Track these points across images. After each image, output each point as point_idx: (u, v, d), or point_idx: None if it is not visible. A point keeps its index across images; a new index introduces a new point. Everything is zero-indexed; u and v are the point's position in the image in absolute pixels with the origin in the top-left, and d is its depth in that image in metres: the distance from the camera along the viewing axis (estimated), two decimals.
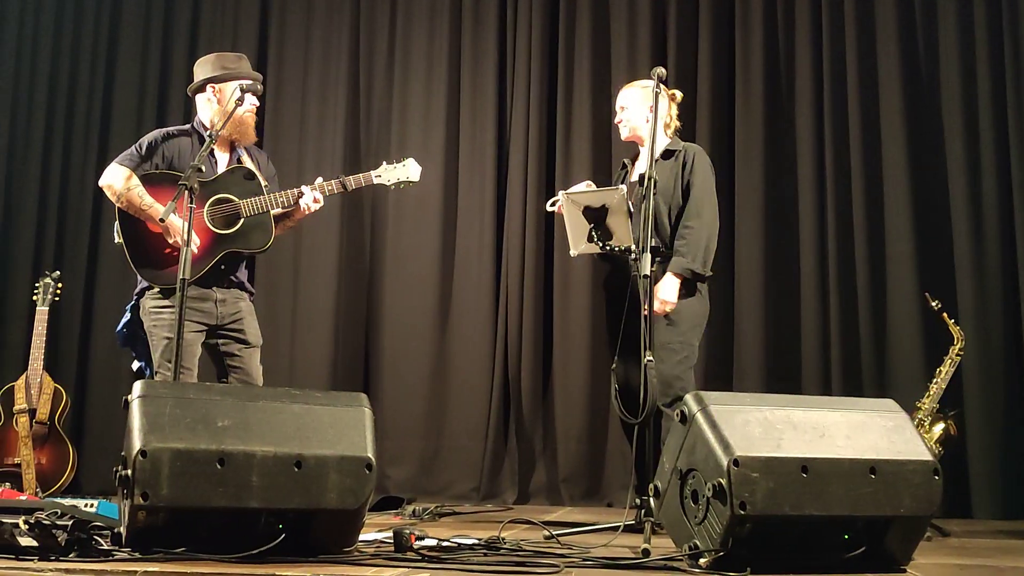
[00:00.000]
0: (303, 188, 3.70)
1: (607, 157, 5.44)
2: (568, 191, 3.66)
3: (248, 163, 3.78)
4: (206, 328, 3.67)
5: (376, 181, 3.80)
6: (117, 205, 3.65)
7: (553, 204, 3.74)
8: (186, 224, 3.20)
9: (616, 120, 3.95)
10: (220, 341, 3.71)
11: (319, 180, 3.75)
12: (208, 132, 3.59)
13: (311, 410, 2.50)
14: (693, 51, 5.54)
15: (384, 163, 3.86)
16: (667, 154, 3.83)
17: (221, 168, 3.73)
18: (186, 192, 3.21)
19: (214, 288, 3.67)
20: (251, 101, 3.73)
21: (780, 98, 5.39)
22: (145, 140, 3.75)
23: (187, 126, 3.84)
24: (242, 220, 3.62)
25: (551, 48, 5.79)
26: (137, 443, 2.26)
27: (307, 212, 3.73)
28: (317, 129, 6.01)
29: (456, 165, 5.84)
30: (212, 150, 3.71)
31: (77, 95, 6.31)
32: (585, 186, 3.78)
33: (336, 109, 5.99)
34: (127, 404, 2.37)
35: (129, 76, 6.28)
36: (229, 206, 3.63)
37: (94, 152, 6.20)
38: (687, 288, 3.71)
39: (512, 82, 5.82)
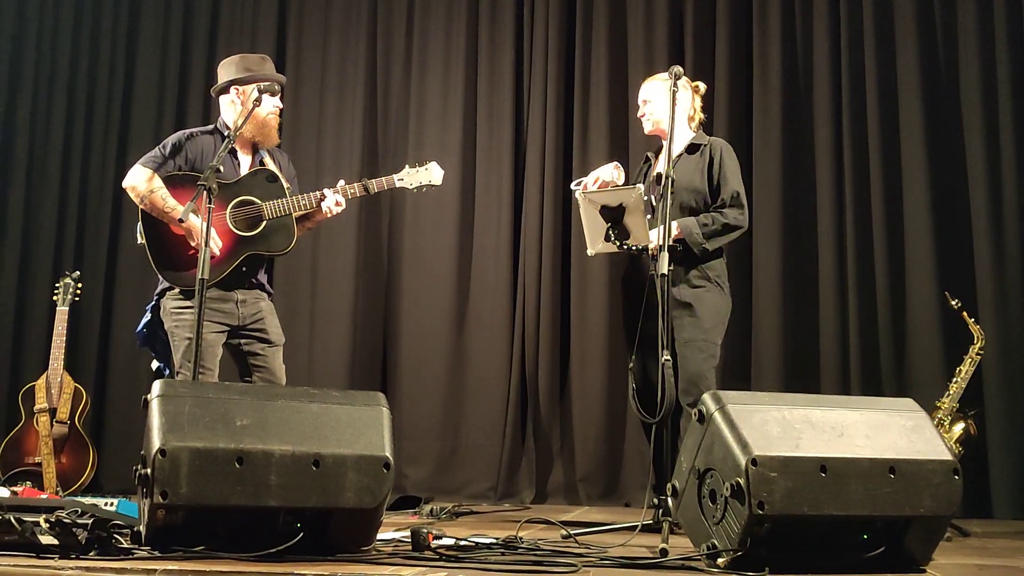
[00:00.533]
0: (325, 191, 3.70)
1: (624, 155, 5.42)
2: (586, 190, 3.66)
3: (270, 165, 3.79)
4: (227, 329, 3.68)
5: (398, 184, 3.80)
6: (140, 206, 3.66)
7: (578, 184, 3.74)
8: (205, 224, 3.21)
9: (639, 114, 3.92)
10: (243, 341, 3.72)
11: (341, 183, 3.75)
12: (227, 133, 3.61)
13: (329, 409, 2.51)
14: (710, 47, 5.53)
15: (407, 166, 3.86)
16: (692, 148, 3.81)
17: (244, 170, 3.74)
18: (204, 193, 3.22)
19: (236, 290, 3.68)
20: (274, 103, 3.74)
21: (798, 94, 5.37)
22: (168, 141, 3.77)
23: (210, 127, 3.85)
24: (264, 222, 3.63)
25: (568, 46, 5.78)
26: (156, 442, 2.28)
27: (329, 215, 3.73)
28: (335, 128, 6.03)
29: (473, 164, 5.85)
30: (235, 151, 3.74)
31: (96, 95, 6.34)
32: (611, 170, 3.75)
33: (354, 108, 6.00)
34: (146, 403, 2.38)
35: (148, 76, 6.31)
36: (251, 208, 3.64)
37: (113, 152, 6.24)
38: (702, 278, 3.70)
39: (529, 80, 5.82)
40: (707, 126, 5.30)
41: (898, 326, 5.00)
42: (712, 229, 3.69)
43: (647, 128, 3.91)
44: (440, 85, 5.93)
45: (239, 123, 3.58)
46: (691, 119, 3.88)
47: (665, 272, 3.10)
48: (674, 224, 3.63)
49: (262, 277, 3.81)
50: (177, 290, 3.65)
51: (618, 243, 3.50)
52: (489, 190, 5.79)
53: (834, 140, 5.25)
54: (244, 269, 3.67)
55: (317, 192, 3.71)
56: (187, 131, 3.84)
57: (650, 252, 3.48)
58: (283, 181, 3.71)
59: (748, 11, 5.50)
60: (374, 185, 3.76)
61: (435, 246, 5.80)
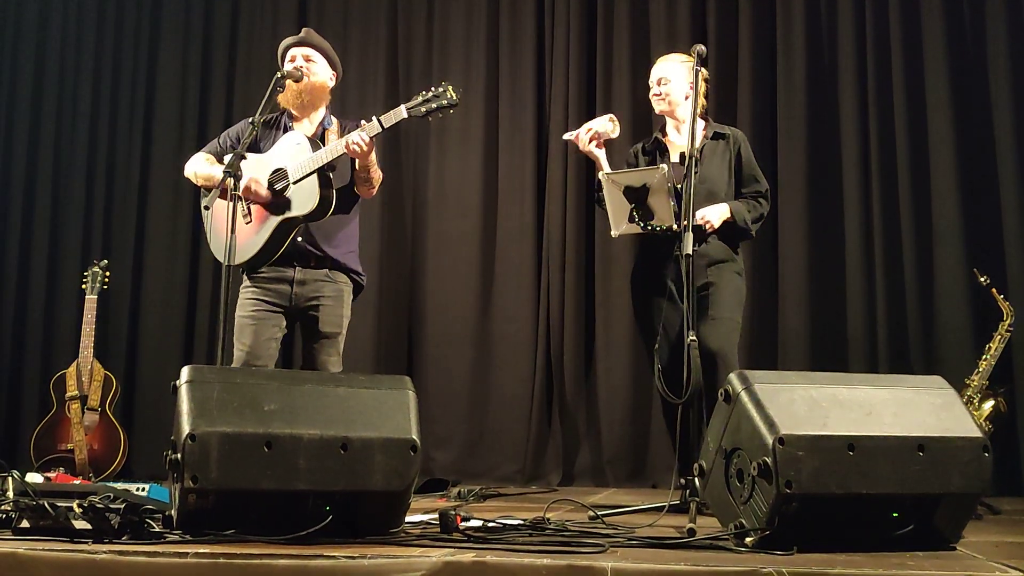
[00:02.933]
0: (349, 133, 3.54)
1: (648, 136, 5.39)
2: (608, 171, 3.65)
3: (332, 135, 3.69)
4: (281, 310, 3.63)
5: (408, 114, 3.47)
6: (198, 185, 3.73)
7: (572, 135, 3.73)
8: (230, 210, 3.21)
9: (653, 92, 3.87)
10: (301, 328, 3.70)
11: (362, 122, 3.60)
12: (251, 120, 3.57)
13: (356, 393, 2.52)
14: (734, 30, 5.48)
15: (421, 93, 3.52)
16: (717, 136, 3.82)
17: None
18: (231, 179, 3.23)
19: (296, 267, 3.63)
20: (294, 65, 3.70)
21: (823, 76, 5.32)
22: (229, 129, 3.83)
23: (280, 110, 3.83)
24: (291, 186, 3.55)
25: (589, 30, 5.76)
26: (186, 427, 2.30)
27: (359, 152, 3.47)
28: (356, 114, 6.01)
29: (496, 148, 5.84)
30: (287, 125, 3.73)
31: (121, 82, 6.38)
32: (606, 122, 3.70)
33: (376, 95, 6.00)
34: (175, 389, 2.40)
35: (171, 61, 6.34)
36: (280, 173, 3.60)
37: (139, 139, 6.28)
38: (729, 246, 3.71)
39: (551, 65, 5.80)
40: (731, 109, 5.30)
41: (926, 304, 4.96)
42: (757, 214, 3.79)
43: (660, 108, 3.87)
44: (462, 69, 5.92)
45: (261, 108, 3.54)
46: (702, 106, 3.87)
47: (690, 252, 3.10)
48: (724, 205, 3.66)
49: (338, 252, 3.68)
50: (242, 269, 3.67)
51: (642, 224, 3.49)
52: (512, 173, 5.78)
53: (860, 119, 5.20)
54: (298, 239, 3.59)
55: (335, 142, 3.55)
56: (248, 119, 3.84)
57: (675, 232, 3.47)
58: (307, 143, 3.57)
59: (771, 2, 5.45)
60: (383, 120, 3.47)
61: (459, 230, 5.81)
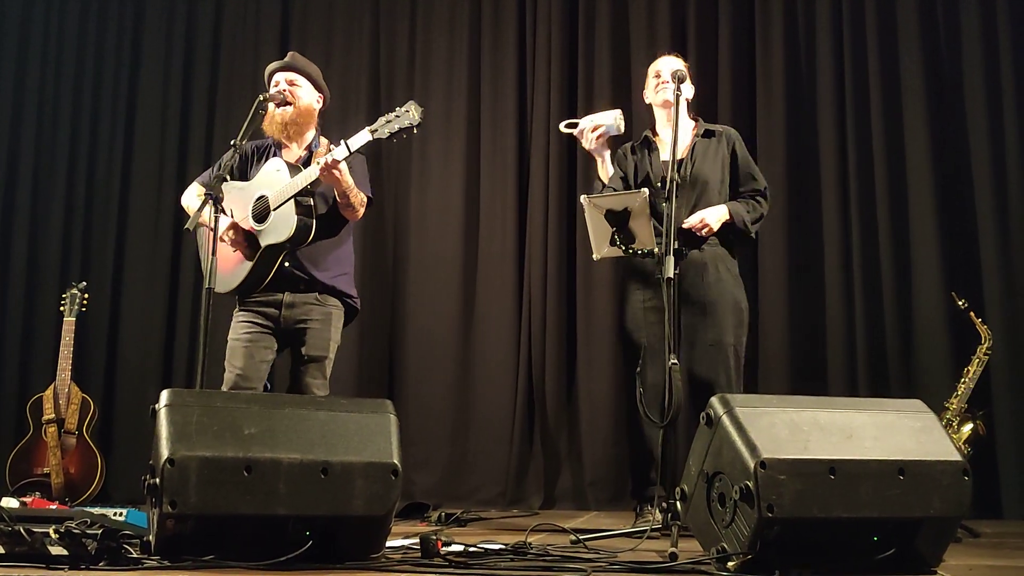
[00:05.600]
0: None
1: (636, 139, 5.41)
2: (590, 195, 3.66)
3: (319, 156, 3.67)
4: (269, 332, 3.64)
5: (373, 136, 3.45)
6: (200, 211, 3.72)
7: (571, 125, 3.67)
8: (211, 235, 3.21)
9: (662, 80, 3.80)
10: (289, 348, 3.69)
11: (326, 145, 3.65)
12: (232, 143, 3.57)
13: (336, 417, 2.51)
14: (713, 48, 5.53)
15: (382, 116, 3.53)
16: (708, 133, 3.83)
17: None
18: (211, 203, 3.22)
19: (285, 292, 3.63)
20: (275, 90, 3.71)
21: (801, 94, 5.37)
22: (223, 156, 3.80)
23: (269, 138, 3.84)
24: (272, 213, 3.56)
25: (571, 52, 5.79)
26: (165, 452, 2.28)
27: (333, 177, 3.44)
28: (338, 135, 5.99)
29: (477, 170, 5.85)
30: (276, 151, 3.74)
31: (101, 103, 6.36)
32: (614, 116, 3.66)
33: (357, 115, 6.00)
34: (154, 413, 2.38)
35: (152, 85, 6.33)
36: (262, 201, 3.61)
37: (119, 161, 6.26)
38: (728, 251, 3.71)
39: (532, 86, 5.83)
40: (710, 123, 5.32)
41: (905, 327, 4.99)
42: (757, 215, 3.77)
43: (665, 96, 3.80)
44: (443, 89, 5.94)
45: (242, 133, 3.54)
46: (689, 105, 3.89)
47: (671, 276, 3.11)
48: (722, 207, 3.66)
49: (327, 276, 3.67)
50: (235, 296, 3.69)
51: (623, 247, 3.50)
52: (494, 195, 5.79)
53: (838, 139, 5.25)
54: (285, 265, 3.60)
55: (310, 167, 3.55)
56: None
57: (655, 255, 3.48)
58: (287, 170, 3.58)
59: (751, 9, 5.50)
60: (350, 144, 3.46)
61: (440, 252, 5.80)
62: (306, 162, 3.69)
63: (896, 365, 4.96)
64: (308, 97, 3.79)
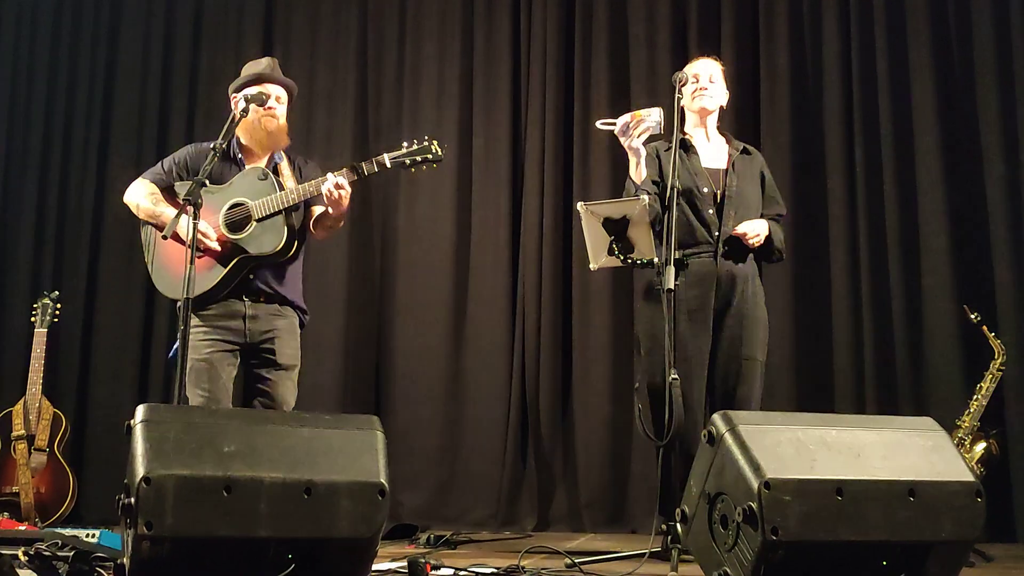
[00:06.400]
0: (328, 175, 3.56)
1: (626, 164, 5.42)
2: (587, 202, 3.66)
3: (285, 170, 3.73)
4: (236, 348, 3.62)
5: (390, 164, 3.58)
6: (139, 217, 3.71)
7: (609, 124, 3.63)
8: (190, 241, 3.19)
9: (699, 87, 3.82)
10: (253, 362, 3.68)
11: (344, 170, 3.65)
12: (212, 145, 3.58)
13: (321, 434, 2.50)
14: (715, 47, 5.51)
15: (404, 144, 3.66)
16: (745, 151, 3.88)
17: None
18: (191, 208, 3.21)
19: (245, 301, 3.62)
20: (267, 104, 3.72)
21: (808, 105, 5.38)
22: (174, 154, 3.81)
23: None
24: (253, 223, 3.57)
25: (567, 60, 5.80)
26: (140, 470, 2.26)
27: (335, 199, 3.50)
28: (324, 145, 6.00)
29: (469, 176, 5.85)
30: (240, 160, 3.74)
31: (76, 107, 6.36)
32: (657, 114, 3.60)
33: (344, 122, 6.00)
34: (129, 429, 2.37)
35: (129, 84, 6.33)
36: (240, 209, 3.61)
37: (93, 167, 6.25)
38: (757, 289, 3.77)
39: (526, 88, 5.84)
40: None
41: (915, 341, 4.99)
42: (781, 237, 3.84)
43: (701, 104, 3.83)
44: (434, 97, 5.95)
45: (223, 133, 3.55)
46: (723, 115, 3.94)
47: (672, 287, 3.12)
48: (764, 222, 3.71)
49: (285, 288, 3.69)
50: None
51: (622, 256, 3.50)
52: (486, 202, 5.80)
53: (846, 150, 5.25)
54: (251, 277, 3.60)
55: (314, 180, 3.58)
56: (195, 144, 3.84)
57: (655, 265, 3.48)
58: (274, 179, 3.63)
59: (754, 18, 5.51)
60: (364, 168, 3.57)
61: (430, 262, 5.80)
62: (272, 172, 3.72)
63: (906, 381, 4.96)
64: (284, 117, 3.83)
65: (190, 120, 6.22)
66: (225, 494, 2.29)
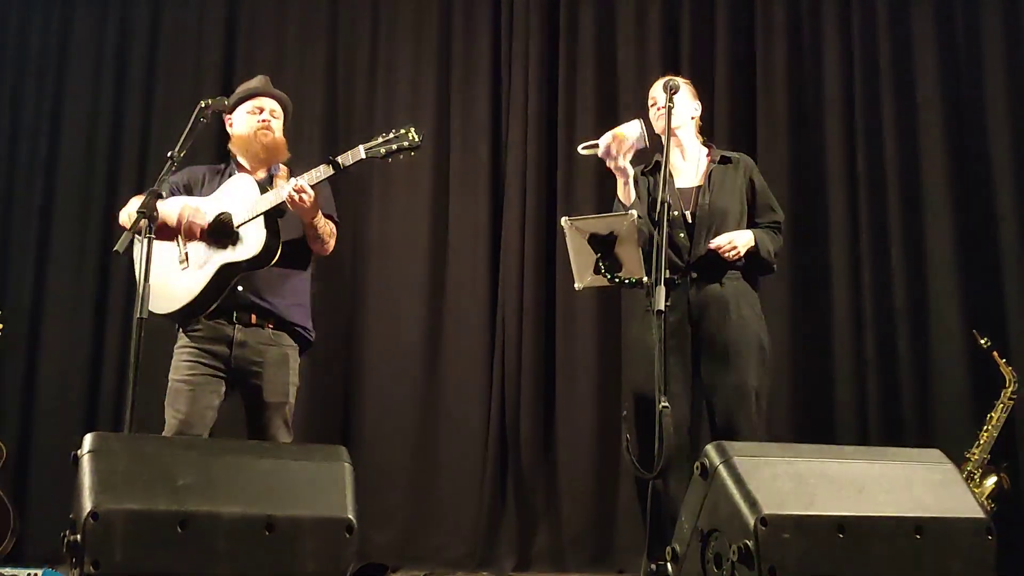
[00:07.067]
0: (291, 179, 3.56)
1: (613, 178, 5.43)
2: (572, 217, 3.67)
3: (281, 182, 3.69)
4: (223, 375, 3.60)
5: (366, 155, 3.54)
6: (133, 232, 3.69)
7: (590, 146, 3.64)
8: (144, 257, 3.18)
9: (658, 107, 3.82)
10: (242, 395, 3.66)
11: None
12: (170, 154, 3.56)
13: (284, 465, 2.49)
14: (709, 57, 5.58)
15: (380, 135, 3.62)
16: (724, 160, 3.87)
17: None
18: (144, 220, 3.20)
19: (235, 325, 3.61)
20: (257, 119, 3.76)
21: (807, 116, 5.42)
22: (174, 175, 3.81)
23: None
24: (235, 231, 3.56)
25: (551, 63, 5.83)
26: (87, 504, 2.25)
27: (297, 202, 3.47)
28: (291, 150, 5.98)
29: (446, 188, 5.86)
30: (232, 173, 3.77)
31: (22, 108, 6.35)
32: (636, 126, 3.61)
33: (311, 125, 5.99)
34: (76, 460, 2.35)
35: (80, 96, 6.31)
36: (223, 217, 3.61)
37: (40, 173, 6.22)
38: (749, 283, 3.76)
39: (508, 96, 5.86)
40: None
41: (921, 368, 5.02)
42: (777, 246, 3.82)
43: (662, 125, 3.78)
44: (409, 100, 5.96)
45: (181, 142, 3.54)
46: (698, 127, 3.93)
47: (662, 308, 3.12)
48: (748, 232, 3.70)
49: (284, 306, 3.67)
50: (177, 326, 3.65)
51: (609, 275, 3.51)
52: (464, 216, 5.80)
53: (847, 164, 5.29)
54: (239, 288, 3.58)
55: (280, 185, 3.59)
56: (191, 166, 3.87)
57: (644, 285, 3.49)
58: (257, 188, 3.62)
59: (751, 22, 5.56)
60: (340, 161, 3.52)
61: (404, 279, 5.80)
62: (268, 184, 3.73)
63: (912, 410, 4.98)
64: (280, 132, 3.86)
65: (145, 128, 6.20)
66: (179, 530, 2.28)
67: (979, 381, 4.77)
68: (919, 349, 5.04)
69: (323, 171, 3.52)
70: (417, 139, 3.54)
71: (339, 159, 3.52)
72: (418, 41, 6.03)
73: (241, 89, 3.90)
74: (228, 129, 3.83)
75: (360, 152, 3.53)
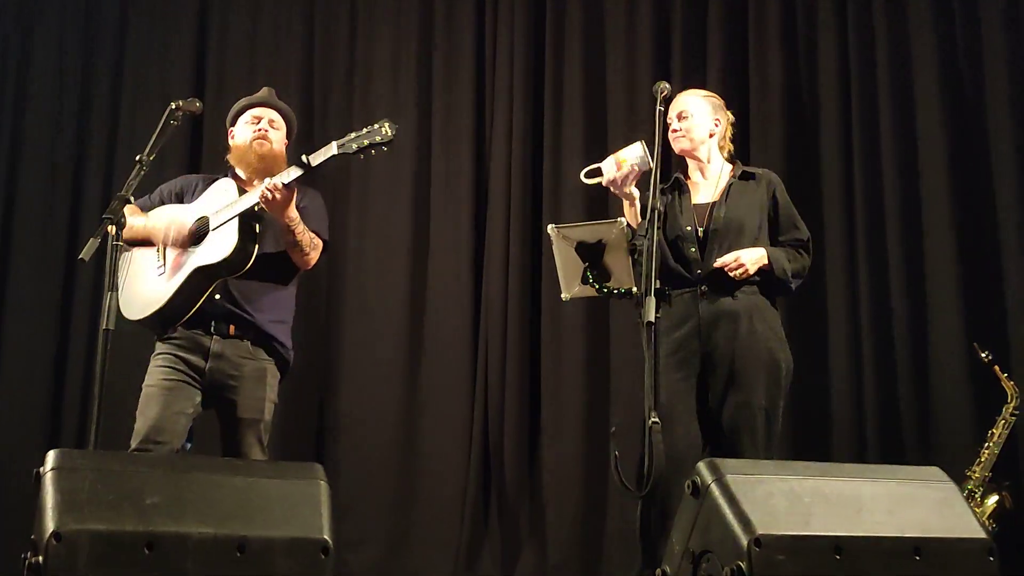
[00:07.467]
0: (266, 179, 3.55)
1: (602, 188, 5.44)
2: (558, 224, 3.68)
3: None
4: (198, 385, 3.59)
5: (339, 151, 3.51)
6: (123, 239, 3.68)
7: (591, 173, 3.64)
8: (110, 262, 3.17)
9: (672, 129, 3.85)
10: (216, 411, 3.65)
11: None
12: (138, 158, 3.55)
13: (256, 483, 2.48)
14: (700, 56, 5.59)
15: (351, 133, 3.60)
16: (746, 175, 3.87)
17: None
18: (111, 227, 3.19)
19: (213, 336, 3.60)
20: (253, 129, 3.80)
21: (803, 121, 5.44)
22: (162, 185, 3.89)
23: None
24: (210, 233, 3.57)
25: (536, 58, 5.86)
26: (50, 524, 2.24)
27: (270, 199, 3.46)
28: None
29: (427, 195, 5.87)
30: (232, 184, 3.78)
31: None
32: (639, 149, 3.60)
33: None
34: (38, 478, 2.34)
35: (43, 84, 6.31)
36: (202, 221, 3.63)
37: (3, 171, 6.20)
38: (768, 300, 3.75)
39: (492, 97, 5.87)
40: None
41: (920, 383, 5.03)
42: (799, 266, 3.78)
43: (680, 146, 3.86)
44: (388, 101, 5.98)
45: (150, 146, 3.54)
46: (722, 148, 3.93)
47: (652, 320, 3.12)
48: (760, 249, 3.70)
49: (265, 319, 3.67)
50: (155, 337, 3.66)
51: (597, 286, 3.52)
52: (446, 224, 5.81)
53: (844, 170, 5.30)
54: (217, 297, 3.58)
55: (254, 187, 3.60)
56: (186, 175, 3.96)
57: (634, 296, 3.50)
58: (239, 190, 3.63)
59: (743, 24, 5.58)
60: (311, 159, 3.49)
61: (383, 290, 5.80)
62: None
63: (910, 427, 5.00)
64: (281, 143, 3.89)
65: (112, 131, 6.20)
66: (147, 552, 2.27)
67: (980, 396, 4.78)
68: (918, 363, 5.05)
69: (294, 171, 3.50)
70: (391, 133, 3.49)
71: (309, 157, 3.50)
72: (398, 41, 6.05)
73: (243, 100, 3.94)
74: (229, 141, 3.87)
75: (332, 148, 3.50)
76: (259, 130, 3.81)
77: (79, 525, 2.25)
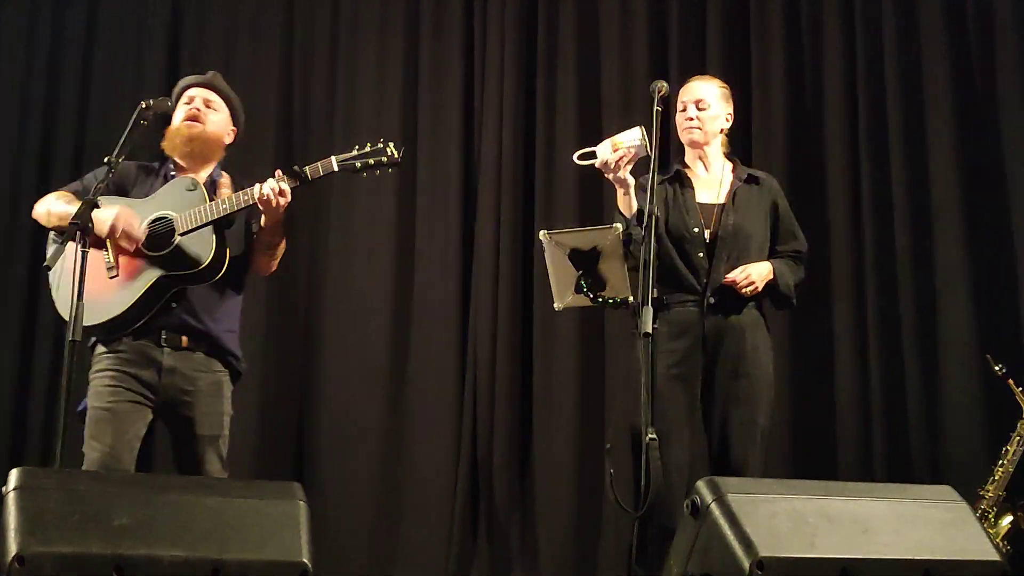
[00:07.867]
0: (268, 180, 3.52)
1: (597, 189, 5.45)
2: (551, 231, 3.67)
3: (225, 191, 3.68)
4: (150, 403, 3.54)
5: (338, 167, 3.56)
6: (48, 227, 3.67)
7: (585, 155, 3.64)
8: (78, 267, 3.15)
9: (686, 117, 3.85)
10: (169, 427, 3.61)
11: (278, 172, 3.60)
12: (107, 159, 3.53)
13: (232, 504, 2.48)
14: (700, 51, 5.60)
15: (356, 147, 3.64)
16: (751, 179, 3.88)
17: None
18: (77, 232, 3.17)
19: (164, 348, 3.54)
20: (191, 107, 3.74)
21: (807, 121, 5.44)
22: (96, 170, 3.76)
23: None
24: (176, 237, 3.51)
25: (528, 56, 5.85)
26: (13, 547, 2.23)
27: (269, 202, 3.46)
28: (239, 160, 5.95)
29: (413, 200, 5.86)
30: (169, 175, 3.74)
31: None
32: (637, 134, 3.57)
33: (263, 129, 5.97)
34: (1, 497, 2.33)
35: (7, 81, 6.30)
36: (163, 223, 3.55)
37: None
38: (763, 317, 3.77)
39: (481, 97, 5.87)
40: None
41: (930, 397, 5.03)
42: (798, 279, 3.85)
43: (692, 137, 3.87)
44: (372, 101, 5.98)
45: (120, 144, 3.51)
46: (723, 143, 3.94)
47: (649, 331, 3.12)
48: (766, 264, 3.72)
49: (218, 329, 3.63)
50: (92, 339, 3.57)
51: (591, 295, 3.51)
52: (433, 230, 5.80)
53: (850, 172, 5.30)
54: (172, 305, 3.53)
55: (245, 189, 3.53)
56: (126, 162, 3.82)
57: (629, 306, 3.49)
58: (204, 190, 3.58)
59: (745, 20, 5.59)
60: (308, 171, 3.54)
61: (365, 300, 5.79)
62: (213, 191, 3.69)
63: (920, 443, 5.00)
64: (220, 126, 3.82)
65: (79, 130, 6.20)
66: None
67: (993, 411, 4.78)
68: (928, 376, 5.05)
69: (288, 181, 3.49)
70: (396, 155, 3.57)
71: (307, 169, 3.52)
72: (383, 38, 6.05)
73: (181, 81, 3.89)
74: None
75: (332, 164, 3.54)
76: (191, 109, 3.74)
77: (44, 547, 2.24)
